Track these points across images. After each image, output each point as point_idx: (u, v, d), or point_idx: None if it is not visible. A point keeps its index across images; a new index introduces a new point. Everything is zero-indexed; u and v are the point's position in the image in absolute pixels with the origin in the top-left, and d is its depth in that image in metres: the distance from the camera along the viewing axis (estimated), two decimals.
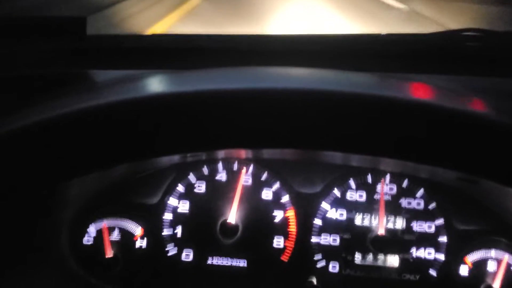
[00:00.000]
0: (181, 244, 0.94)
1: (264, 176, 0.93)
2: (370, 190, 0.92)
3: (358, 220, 0.92)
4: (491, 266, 0.92)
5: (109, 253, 0.93)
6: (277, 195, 0.93)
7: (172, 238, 0.94)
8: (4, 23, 0.85)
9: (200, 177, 0.93)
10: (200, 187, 0.93)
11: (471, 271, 0.92)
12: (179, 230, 0.93)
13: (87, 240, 0.93)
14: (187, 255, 0.94)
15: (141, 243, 0.94)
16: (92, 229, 0.93)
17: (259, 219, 0.93)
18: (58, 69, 0.87)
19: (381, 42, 0.92)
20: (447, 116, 0.62)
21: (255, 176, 0.93)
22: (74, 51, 0.90)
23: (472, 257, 0.92)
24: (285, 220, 0.93)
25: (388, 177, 0.92)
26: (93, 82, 0.86)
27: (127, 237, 0.93)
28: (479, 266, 0.91)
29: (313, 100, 0.64)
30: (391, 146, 0.67)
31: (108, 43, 0.95)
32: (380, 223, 0.91)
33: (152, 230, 0.94)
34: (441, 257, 0.92)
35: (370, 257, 0.93)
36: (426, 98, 0.67)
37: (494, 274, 0.91)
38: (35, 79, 0.86)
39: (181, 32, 0.98)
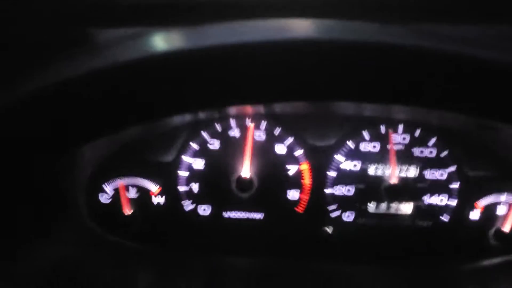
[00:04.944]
0: (197, 200, 0.96)
1: (277, 131, 0.93)
2: (383, 140, 0.93)
3: (372, 170, 0.93)
4: (501, 210, 0.94)
5: (127, 211, 0.95)
6: (290, 150, 0.93)
7: (189, 194, 0.95)
8: None
9: (213, 134, 0.93)
10: (214, 144, 0.94)
11: (482, 215, 0.94)
12: (195, 186, 0.95)
13: (105, 198, 0.95)
14: (205, 210, 0.96)
15: (158, 199, 0.96)
16: (109, 188, 0.95)
17: (273, 173, 0.94)
18: (61, 28, 0.85)
19: None
20: (465, 62, 0.61)
21: (268, 132, 0.93)
22: (77, 10, 0.87)
23: (483, 202, 0.94)
24: (300, 173, 0.94)
25: (401, 127, 0.92)
26: (94, 43, 0.84)
27: (144, 194, 0.95)
28: (490, 211, 0.94)
29: (325, 49, 0.63)
30: (406, 93, 0.66)
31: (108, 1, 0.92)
32: (393, 172, 0.93)
33: (169, 187, 0.95)
34: (453, 203, 0.94)
35: (383, 205, 0.95)
36: (442, 45, 0.66)
37: (504, 217, 0.94)
38: (41, 40, 0.84)
39: None
